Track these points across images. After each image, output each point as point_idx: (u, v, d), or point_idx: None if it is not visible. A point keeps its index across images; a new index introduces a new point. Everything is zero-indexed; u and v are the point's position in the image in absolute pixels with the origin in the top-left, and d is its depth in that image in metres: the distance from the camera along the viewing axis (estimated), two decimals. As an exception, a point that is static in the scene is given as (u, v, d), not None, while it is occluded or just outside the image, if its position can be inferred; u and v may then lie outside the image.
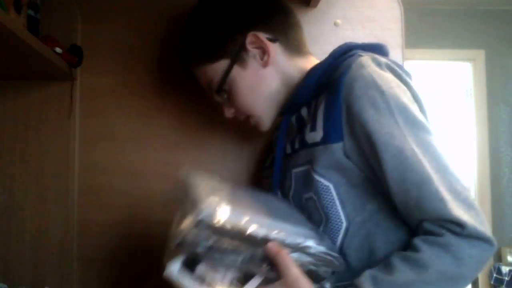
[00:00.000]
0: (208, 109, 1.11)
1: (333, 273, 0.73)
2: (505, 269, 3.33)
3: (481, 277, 3.48)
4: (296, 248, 0.66)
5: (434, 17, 3.67)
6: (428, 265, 0.65)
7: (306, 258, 0.67)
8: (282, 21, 0.90)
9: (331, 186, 0.75)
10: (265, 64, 0.87)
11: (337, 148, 0.74)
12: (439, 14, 3.68)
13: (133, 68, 1.13)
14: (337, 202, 0.75)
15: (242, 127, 1.10)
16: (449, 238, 0.66)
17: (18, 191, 1.10)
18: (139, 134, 1.12)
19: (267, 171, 0.99)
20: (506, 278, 3.30)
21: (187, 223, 0.60)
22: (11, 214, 1.09)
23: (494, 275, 3.37)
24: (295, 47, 0.91)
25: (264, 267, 0.65)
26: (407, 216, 0.72)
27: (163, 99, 1.13)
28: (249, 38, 0.86)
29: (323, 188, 0.75)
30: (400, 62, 0.92)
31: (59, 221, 1.09)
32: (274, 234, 0.64)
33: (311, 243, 0.68)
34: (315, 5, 1.11)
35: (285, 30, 0.90)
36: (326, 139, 0.75)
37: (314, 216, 0.78)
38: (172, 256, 0.64)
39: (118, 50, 1.13)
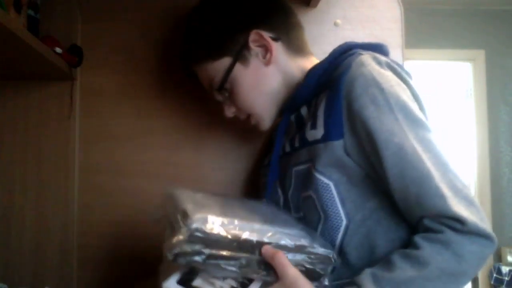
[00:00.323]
0: (208, 109, 1.11)
1: (332, 271, 0.73)
2: (505, 269, 3.33)
3: (481, 277, 3.48)
4: (291, 249, 0.66)
5: (434, 17, 3.67)
6: (428, 262, 0.65)
7: (301, 257, 0.67)
8: (284, 20, 0.91)
9: (331, 184, 0.75)
10: (267, 63, 0.87)
11: (337, 145, 0.74)
12: (439, 14, 3.68)
13: (133, 68, 1.13)
14: (337, 200, 0.75)
15: (242, 127, 1.10)
16: (449, 234, 0.66)
17: (18, 191, 1.10)
18: (139, 134, 1.12)
19: (265, 170, 0.99)
20: (506, 278, 3.30)
21: (180, 236, 0.60)
22: (11, 214, 1.09)
23: (494, 275, 3.37)
24: (297, 47, 0.91)
25: (262, 271, 0.65)
26: (407, 213, 0.72)
27: (163, 99, 1.13)
28: (252, 36, 0.86)
29: (323, 186, 0.76)
30: (400, 62, 0.92)
31: (59, 221, 1.09)
32: (267, 237, 0.65)
33: (305, 242, 0.68)
34: (315, 5, 1.11)
35: (287, 30, 0.90)
36: (327, 137, 0.75)
37: (312, 215, 0.78)
38: (167, 274, 0.64)
39: (118, 50, 1.13)
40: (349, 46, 0.84)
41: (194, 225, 0.60)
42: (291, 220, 0.80)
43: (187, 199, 0.68)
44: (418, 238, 0.68)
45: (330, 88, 0.77)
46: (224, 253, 0.62)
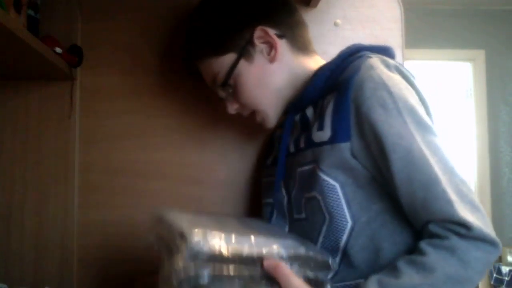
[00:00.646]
0: (209, 109, 1.11)
1: (335, 273, 0.73)
2: (505, 269, 3.33)
3: (481, 277, 3.48)
4: (291, 259, 0.66)
5: (434, 17, 3.67)
6: (434, 269, 0.65)
7: (302, 266, 0.67)
8: (289, 18, 0.91)
9: (337, 186, 0.75)
10: (272, 60, 0.87)
11: (344, 147, 0.74)
12: (439, 14, 3.68)
13: (133, 68, 1.13)
14: (343, 201, 0.75)
15: (243, 126, 1.10)
16: (454, 241, 0.66)
17: (18, 191, 1.10)
18: (139, 134, 1.12)
19: (268, 170, 0.99)
20: (506, 278, 3.30)
21: (182, 259, 0.60)
22: (11, 214, 1.09)
23: (494, 275, 3.37)
24: (301, 45, 0.91)
25: (265, 284, 0.64)
26: (413, 217, 0.72)
27: (163, 99, 1.13)
28: (257, 32, 0.86)
29: (329, 187, 0.75)
30: (400, 62, 0.92)
31: (59, 221, 1.09)
32: (266, 250, 0.65)
33: (302, 251, 0.68)
34: (315, 5, 1.11)
35: (292, 27, 0.90)
36: (334, 139, 0.75)
37: (316, 216, 0.78)
38: None
39: (118, 50, 1.13)
40: (357, 48, 0.83)
41: (195, 245, 0.60)
42: (281, 230, 0.81)
43: (180, 220, 0.67)
44: (423, 244, 0.68)
45: (338, 90, 0.77)
46: (228, 269, 0.62)
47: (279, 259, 0.65)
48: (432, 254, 0.66)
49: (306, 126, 0.85)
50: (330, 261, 0.70)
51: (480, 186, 3.65)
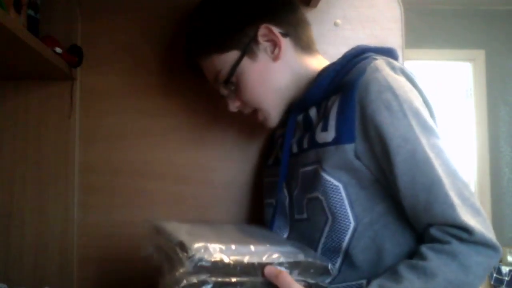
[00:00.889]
0: (209, 109, 1.11)
1: (334, 277, 0.73)
2: (505, 269, 3.33)
3: (481, 277, 3.48)
4: (291, 266, 0.66)
5: (434, 17, 3.67)
6: (435, 274, 0.65)
7: (302, 273, 0.68)
8: (292, 17, 0.91)
9: (340, 186, 0.75)
10: (275, 58, 0.87)
11: (348, 149, 0.74)
12: (439, 14, 3.68)
13: (133, 68, 1.12)
14: (346, 202, 0.75)
15: (244, 126, 1.10)
16: (455, 245, 0.66)
17: (18, 191, 1.10)
18: (140, 134, 1.12)
19: (269, 170, 0.99)
20: (506, 278, 3.30)
21: (184, 268, 0.60)
22: (11, 214, 1.09)
23: (494, 275, 3.37)
24: (305, 44, 0.91)
25: None
26: (414, 219, 0.72)
27: (163, 99, 1.13)
28: (262, 30, 0.86)
29: (332, 188, 0.75)
30: (400, 62, 0.92)
31: (59, 221, 1.09)
32: (266, 257, 0.65)
33: (302, 257, 0.68)
34: (315, 5, 1.11)
35: (296, 26, 0.90)
36: (338, 140, 0.75)
37: (319, 216, 0.78)
38: None
39: (118, 50, 1.13)
40: (362, 49, 0.83)
41: (197, 256, 0.60)
42: (279, 237, 0.81)
43: (179, 231, 0.68)
44: (425, 249, 0.68)
45: (343, 91, 0.77)
46: (230, 279, 0.62)
47: (280, 267, 0.65)
48: (433, 259, 0.66)
49: (309, 127, 0.85)
50: (329, 266, 0.70)
51: (480, 186, 3.65)
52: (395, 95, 0.72)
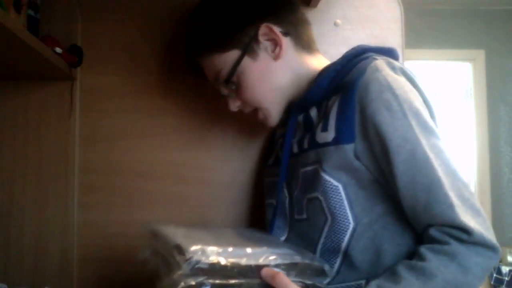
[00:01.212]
0: (209, 109, 1.11)
1: (334, 278, 0.73)
2: (505, 269, 3.33)
3: (481, 277, 3.48)
4: (288, 267, 0.66)
5: (434, 17, 3.67)
6: (434, 274, 0.65)
7: (299, 274, 0.68)
8: (293, 16, 0.91)
9: (340, 187, 0.75)
10: (276, 57, 0.87)
11: (348, 149, 0.74)
12: (439, 14, 3.68)
13: (133, 68, 1.12)
14: (346, 202, 0.75)
15: (244, 126, 1.10)
16: (455, 246, 0.66)
17: (18, 191, 1.10)
18: (139, 134, 1.12)
19: (269, 169, 0.99)
20: (506, 278, 3.30)
21: (181, 271, 0.60)
22: (11, 214, 1.09)
23: (494, 275, 3.37)
24: (305, 44, 0.91)
25: None
26: (414, 220, 0.72)
27: (163, 99, 1.13)
28: (262, 29, 0.86)
29: (331, 188, 0.75)
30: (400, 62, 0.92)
31: (59, 221, 1.09)
32: (263, 259, 0.65)
33: (298, 259, 0.68)
34: (315, 5, 1.11)
35: (296, 26, 0.90)
36: (338, 140, 0.75)
37: (318, 216, 0.78)
38: None
39: (118, 50, 1.13)
40: (362, 49, 0.83)
41: (194, 258, 0.60)
42: (276, 240, 0.81)
43: (175, 233, 0.68)
44: (424, 250, 0.68)
45: (344, 91, 0.77)
46: (227, 281, 0.62)
47: (277, 269, 0.65)
48: (432, 260, 0.66)
49: (309, 127, 0.85)
50: (325, 268, 0.70)
51: (480, 186, 3.65)
52: (395, 95, 0.72)
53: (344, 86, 0.78)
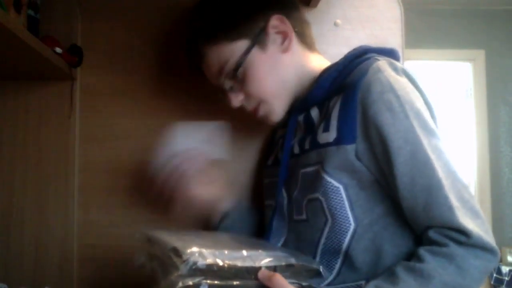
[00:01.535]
0: (209, 109, 1.11)
1: (334, 278, 0.73)
2: (505, 269, 3.33)
3: (481, 277, 3.48)
4: (284, 269, 0.67)
5: (434, 17, 3.67)
6: (432, 276, 0.65)
7: (295, 276, 0.68)
8: (299, 13, 0.91)
9: (341, 188, 0.75)
10: (285, 50, 0.86)
11: (349, 149, 0.74)
12: (439, 14, 3.68)
13: (133, 68, 1.13)
14: (347, 203, 0.75)
15: (244, 126, 1.10)
16: (453, 248, 0.66)
17: (18, 191, 1.10)
18: (139, 133, 1.12)
19: (269, 170, 0.98)
20: (506, 278, 3.30)
21: (179, 272, 0.60)
22: (11, 214, 1.09)
23: (494, 275, 3.37)
24: (308, 42, 0.91)
25: None
26: (413, 221, 0.72)
27: (163, 98, 1.13)
28: (273, 21, 0.85)
29: (332, 189, 0.75)
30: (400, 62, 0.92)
31: (59, 221, 1.09)
32: (259, 261, 0.65)
33: (293, 260, 0.68)
34: (315, 5, 1.11)
35: (301, 23, 0.91)
36: (340, 140, 0.75)
37: (318, 217, 0.78)
38: None
39: (118, 50, 1.13)
40: (364, 50, 0.83)
41: (192, 259, 0.60)
42: (269, 244, 0.82)
43: (170, 238, 0.68)
44: (422, 251, 0.68)
45: (345, 92, 0.77)
46: (224, 282, 0.62)
47: (272, 270, 0.65)
48: (430, 261, 0.66)
49: (310, 127, 0.84)
50: (321, 269, 0.70)
51: (480, 186, 3.65)
52: (397, 96, 0.72)
53: (346, 87, 0.77)
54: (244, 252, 0.66)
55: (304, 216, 0.81)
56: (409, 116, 0.71)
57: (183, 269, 0.60)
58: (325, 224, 0.77)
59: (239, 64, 0.85)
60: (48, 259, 1.09)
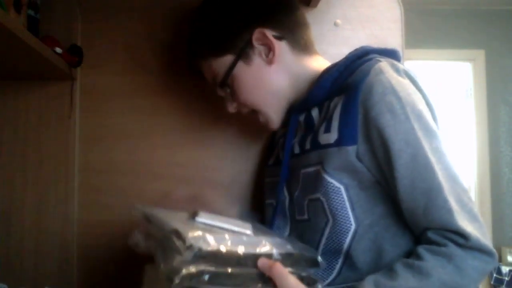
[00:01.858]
0: (210, 109, 1.11)
1: (335, 278, 0.73)
2: (505, 269, 3.33)
3: (481, 277, 3.48)
4: (284, 258, 0.66)
5: (434, 17, 3.67)
6: (430, 274, 0.65)
7: (294, 264, 0.67)
8: (289, 18, 0.90)
9: (342, 188, 0.75)
10: (269, 62, 0.87)
11: (350, 150, 0.74)
12: (439, 14, 3.68)
13: (133, 68, 1.13)
14: (347, 204, 0.75)
15: (245, 126, 1.10)
16: (452, 248, 0.66)
17: (18, 191, 1.10)
18: (139, 134, 1.12)
19: (270, 170, 0.99)
20: (506, 278, 3.30)
21: (183, 257, 0.58)
22: (11, 214, 1.09)
23: (494, 275, 3.37)
24: (303, 46, 0.91)
25: (260, 283, 0.64)
26: (412, 223, 0.73)
27: (163, 99, 1.13)
28: (256, 34, 0.86)
29: (333, 189, 0.75)
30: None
31: (59, 221, 1.09)
32: (259, 249, 0.65)
33: (292, 249, 0.68)
34: (315, 5, 1.11)
35: (292, 28, 0.90)
36: (341, 141, 0.75)
37: (319, 217, 0.78)
38: None
39: (118, 50, 1.13)
40: (365, 50, 0.83)
41: (196, 244, 0.59)
42: (264, 228, 0.80)
43: (169, 217, 0.66)
44: (421, 249, 0.69)
45: (347, 93, 0.77)
46: (226, 269, 0.61)
47: (271, 258, 0.65)
48: (429, 260, 0.67)
49: (311, 127, 0.85)
50: (318, 258, 0.70)
51: (480, 186, 3.65)
52: (398, 98, 0.72)
53: (347, 88, 0.77)
54: (244, 238, 0.65)
55: (306, 216, 0.81)
56: (410, 118, 0.71)
57: (188, 255, 0.58)
58: (326, 224, 0.77)
59: (225, 78, 0.88)
60: (48, 259, 1.09)
